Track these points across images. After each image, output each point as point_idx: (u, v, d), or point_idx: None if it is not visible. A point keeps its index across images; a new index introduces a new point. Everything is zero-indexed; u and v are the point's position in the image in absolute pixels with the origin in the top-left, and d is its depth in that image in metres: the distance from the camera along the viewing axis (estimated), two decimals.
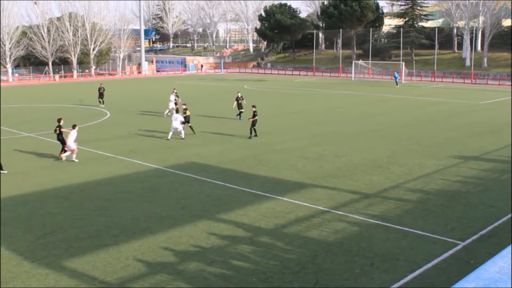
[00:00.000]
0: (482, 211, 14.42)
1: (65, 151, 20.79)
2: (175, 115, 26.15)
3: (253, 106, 25.63)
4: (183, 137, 25.11)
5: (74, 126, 21.18)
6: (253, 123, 25.21)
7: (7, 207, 14.87)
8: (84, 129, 28.89)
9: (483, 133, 26.90)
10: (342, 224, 13.29)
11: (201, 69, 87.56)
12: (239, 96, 31.48)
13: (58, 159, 20.98)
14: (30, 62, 78.79)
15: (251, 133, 25.39)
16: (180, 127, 25.09)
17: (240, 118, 30.92)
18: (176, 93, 34.47)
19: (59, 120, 21.55)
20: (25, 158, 21.49)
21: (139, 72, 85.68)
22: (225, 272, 10.59)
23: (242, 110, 31.11)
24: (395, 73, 59.13)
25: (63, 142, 21.02)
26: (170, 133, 25.23)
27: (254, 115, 25.11)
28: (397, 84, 55.78)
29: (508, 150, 22.22)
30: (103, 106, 38.48)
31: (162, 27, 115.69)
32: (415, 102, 41.67)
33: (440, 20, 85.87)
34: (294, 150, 22.58)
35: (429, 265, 10.85)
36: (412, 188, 16.61)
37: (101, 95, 39.08)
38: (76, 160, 20.66)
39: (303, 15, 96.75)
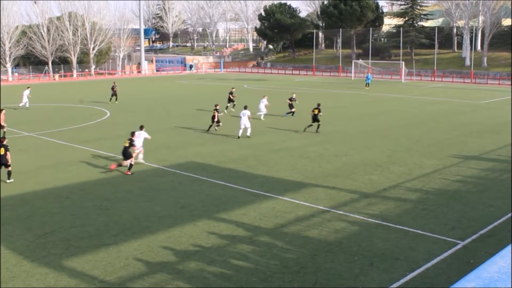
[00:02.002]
0: (482, 210, 14.43)
1: (131, 165, 18.62)
2: (243, 111, 25.52)
3: (318, 105, 27.01)
4: (248, 134, 25.10)
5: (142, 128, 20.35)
6: (317, 119, 26.40)
7: (7, 207, 14.88)
8: (84, 128, 28.91)
9: (483, 132, 26.91)
10: (342, 224, 13.29)
11: (191, 69, 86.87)
12: (293, 97, 32.84)
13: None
14: (30, 61, 78.74)
15: (310, 126, 26.66)
16: (248, 123, 25.08)
17: (288, 115, 32.14)
18: (233, 92, 35.62)
19: (133, 134, 19.30)
20: (25, 158, 21.49)
21: (139, 72, 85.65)
22: (225, 271, 10.60)
23: (293, 110, 32.21)
24: (369, 74, 57.40)
25: (129, 156, 18.62)
26: (240, 131, 25.14)
27: (313, 110, 26.54)
28: (366, 85, 52.81)
29: (507, 149, 22.23)
30: (116, 103, 39.99)
31: (162, 27, 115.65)
32: (415, 101, 41.67)
33: (440, 20, 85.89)
34: (294, 149, 22.58)
35: (429, 264, 10.86)
36: (411, 188, 16.62)
37: (114, 93, 40.61)
38: (143, 161, 20.06)
39: (303, 14, 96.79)
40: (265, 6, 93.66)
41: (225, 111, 33.58)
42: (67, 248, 11.86)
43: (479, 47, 75.04)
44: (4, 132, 24.90)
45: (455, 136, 25.81)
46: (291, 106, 32.42)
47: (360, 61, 72.74)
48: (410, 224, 13.20)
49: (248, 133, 25.20)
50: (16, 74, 75.78)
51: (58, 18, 76.63)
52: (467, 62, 70.73)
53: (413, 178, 17.83)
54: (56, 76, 75.51)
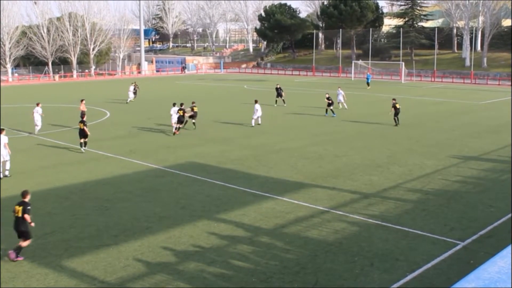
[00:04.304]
0: (482, 211, 14.43)
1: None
2: (256, 105, 29.10)
3: (393, 99, 29.84)
4: (257, 123, 28.74)
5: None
6: (396, 113, 28.74)
7: (7, 207, 14.86)
8: None
9: (483, 133, 26.91)
10: (342, 224, 13.29)
11: (184, 71, 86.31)
12: (329, 97, 33.43)
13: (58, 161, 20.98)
14: (30, 62, 78.73)
15: (395, 121, 28.89)
16: (260, 112, 28.75)
17: (333, 114, 32.70)
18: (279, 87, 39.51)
19: (182, 104, 26.72)
20: (25, 158, 21.48)
21: (139, 72, 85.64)
22: (225, 272, 10.60)
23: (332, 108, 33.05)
24: (368, 73, 58.26)
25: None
26: (253, 121, 28.83)
27: (394, 106, 28.88)
28: (368, 85, 53.80)
29: (507, 150, 22.24)
30: (133, 101, 42.47)
31: (162, 27, 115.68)
32: (415, 102, 41.66)
33: (440, 20, 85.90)
34: (294, 150, 22.59)
35: (429, 265, 10.86)
36: (412, 188, 16.62)
37: (135, 92, 43.68)
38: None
39: (303, 15, 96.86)
40: (265, 6, 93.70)
41: (275, 105, 37.82)
42: (67, 248, 11.86)
43: (479, 48, 75.05)
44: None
45: (455, 136, 25.81)
46: (330, 104, 32.84)
47: (360, 62, 72.72)
48: (410, 225, 13.20)
49: (260, 121, 28.95)
50: (16, 74, 75.79)
51: (58, 19, 76.63)
52: (467, 63, 70.73)
53: (413, 178, 17.83)
54: (56, 76, 75.51)
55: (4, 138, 18.67)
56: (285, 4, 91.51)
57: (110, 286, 10.07)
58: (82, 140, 22.66)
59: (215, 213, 14.27)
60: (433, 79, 66.21)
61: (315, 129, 28.02)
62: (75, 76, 77.42)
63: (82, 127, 22.59)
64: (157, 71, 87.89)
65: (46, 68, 76.82)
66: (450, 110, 36.32)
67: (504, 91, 50.69)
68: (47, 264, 11.06)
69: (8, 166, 18.51)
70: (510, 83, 57.96)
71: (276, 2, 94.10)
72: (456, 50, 79.39)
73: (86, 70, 79.56)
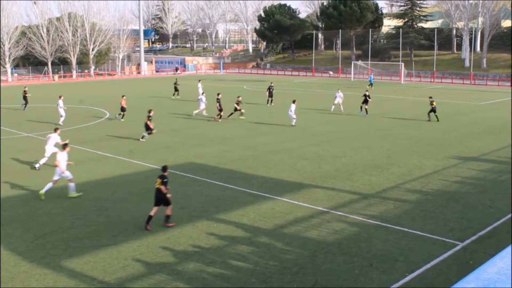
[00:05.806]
0: (481, 211, 14.43)
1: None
2: (292, 104, 29.73)
3: (430, 97, 31.89)
4: (293, 124, 28.92)
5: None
6: (434, 110, 30.75)
7: (6, 207, 14.87)
8: (84, 129, 28.91)
9: (482, 133, 26.93)
10: (341, 225, 13.29)
11: (177, 71, 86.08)
12: (367, 95, 34.37)
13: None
14: (30, 62, 78.73)
15: (429, 117, 30.98)
16: (294, 115, 29.10)
17: (366, 114, 33.38)
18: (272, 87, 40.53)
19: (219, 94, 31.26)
20: (24, 158, 21.46)
21: (138, 73, 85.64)
22: (224, 272, 10.60)
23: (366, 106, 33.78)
24: (371, 74, 59.48)
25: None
26: (294, 120, 29.18)
27: (431, 103, 30.98)
28: (371, 85, 54.36)
29: (507, 150, 22.25)
30: (179, 97, 44.65)
31: (162, 27, 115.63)
32: (414, 102, 41.69)
33: (440, 21, 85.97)
34: (294, 150, 22.59)
35: (428, 265, 10.86)
36: (411, 189, 16.62)
37: (176, 89, 45.45)
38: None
39: (302, 15, 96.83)
40: (265, 7, 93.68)
41: (267, 105, 38.48)
42: (66, 248, 11.86)
43: (478, 49, 75.12)
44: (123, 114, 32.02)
45: (454, 137, 25.82)
46: (366, 102, 33.44)
47: (360, 62, 72.77)
48: (409, 225, 13.21)
49: (293, 123, 28.99)
50: (16, 74, 75.78)
51: (58, 19, 76.63)
52: (467, 63, 70.79)
53: (412, 179, 17.84)
54: (56, 76, 75.49)
55: (57, 137, 19.76)
56: (285, 5, 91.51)
57: (109, 287, 10.07)
58: (145, 133, 24.97)
59: (214, 214, 14.26)
60: (432, 80, 66.27)
61: (314, 130, 28.02)
62: (74, 76, 77.42)
63: (146, 121, 25.00)
64: (157, 71, 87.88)
65: (46, 68, 76.82)
66: (450, 111, 36.33)
67: (504, 91, 50.72)
68: (46, 264, 11.05)
69: (43, 161, 19.59)
70: (509, 84, 58.03)
71: (275, 3, 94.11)
72: (455, 51, 79.44)
73: (86, 70, 79.57)
